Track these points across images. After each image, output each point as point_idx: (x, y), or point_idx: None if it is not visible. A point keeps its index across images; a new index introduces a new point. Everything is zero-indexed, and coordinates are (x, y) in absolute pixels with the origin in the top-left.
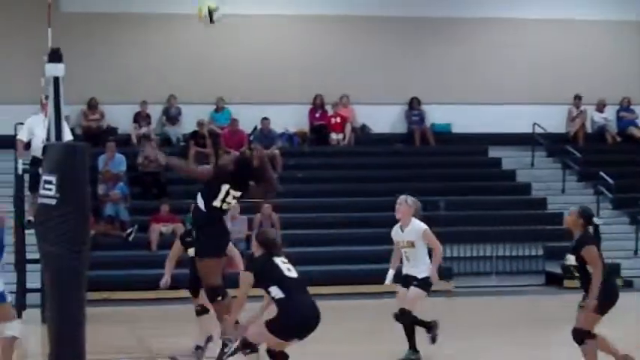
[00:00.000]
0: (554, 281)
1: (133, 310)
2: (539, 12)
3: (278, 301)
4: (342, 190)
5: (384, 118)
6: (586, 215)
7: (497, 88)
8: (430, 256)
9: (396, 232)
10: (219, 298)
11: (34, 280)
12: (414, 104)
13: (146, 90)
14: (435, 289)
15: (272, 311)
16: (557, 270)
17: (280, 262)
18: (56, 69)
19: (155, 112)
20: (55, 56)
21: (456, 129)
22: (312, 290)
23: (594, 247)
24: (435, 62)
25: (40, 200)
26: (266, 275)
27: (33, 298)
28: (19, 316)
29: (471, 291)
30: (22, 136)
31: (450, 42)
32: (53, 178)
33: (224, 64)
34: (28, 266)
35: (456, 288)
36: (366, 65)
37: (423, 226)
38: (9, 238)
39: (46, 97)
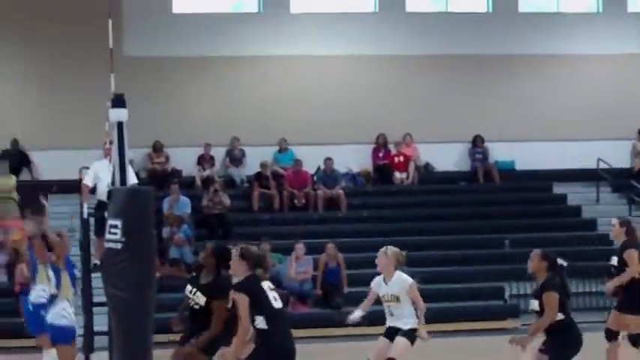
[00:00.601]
0: None
1: None
2: (601, 48)
3: (261, 332)
4: (407, 229)
5: (447, 157)
6: (549, 258)
7: (560, 124)
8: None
9: (379, 285)
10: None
11: (101, 322)
12: (477, 142)
13: (210, 132)
14: (503, 327)
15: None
16: None
17: (268, 288)
18: (119, 114)
19: (219, 154)
20: (119, 101)
21: (520, 166)
22: (374, 330)
23: (555, 294)
24: (497, 99)
25: (107, 244)
26: (255, 302)
27: (101, 340)
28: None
29: None
30: (88, 180)
31: (512, 79)
32: (118, 223)
33: (286, 105)
34: (96, 309)
35: (524, 325)
36: (429, 104)
37: (409, 280)
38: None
39: (110, 142)
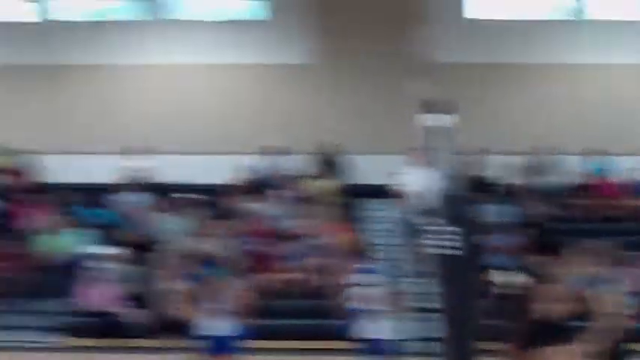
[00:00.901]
0: None
1: None
2: None
3: None
4: None
5: None
6: None
7: None
8: None
9: None
10: None
11: (425, 328)
12: None
13: (526, 139)
14: None
15: None
16: None
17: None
18: (436, 119)
19: (534, 162)
20: (435, 107)
21: None
22: None
23: None
24: None
25: (436, 250)
26: None
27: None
28: None
29: None
30: (403, 185)
31: None
32: (453, 229)
33: (600, 113)
34: (422, 315)
35: None
36: None
37: None
38: None
39: (423, 148)
